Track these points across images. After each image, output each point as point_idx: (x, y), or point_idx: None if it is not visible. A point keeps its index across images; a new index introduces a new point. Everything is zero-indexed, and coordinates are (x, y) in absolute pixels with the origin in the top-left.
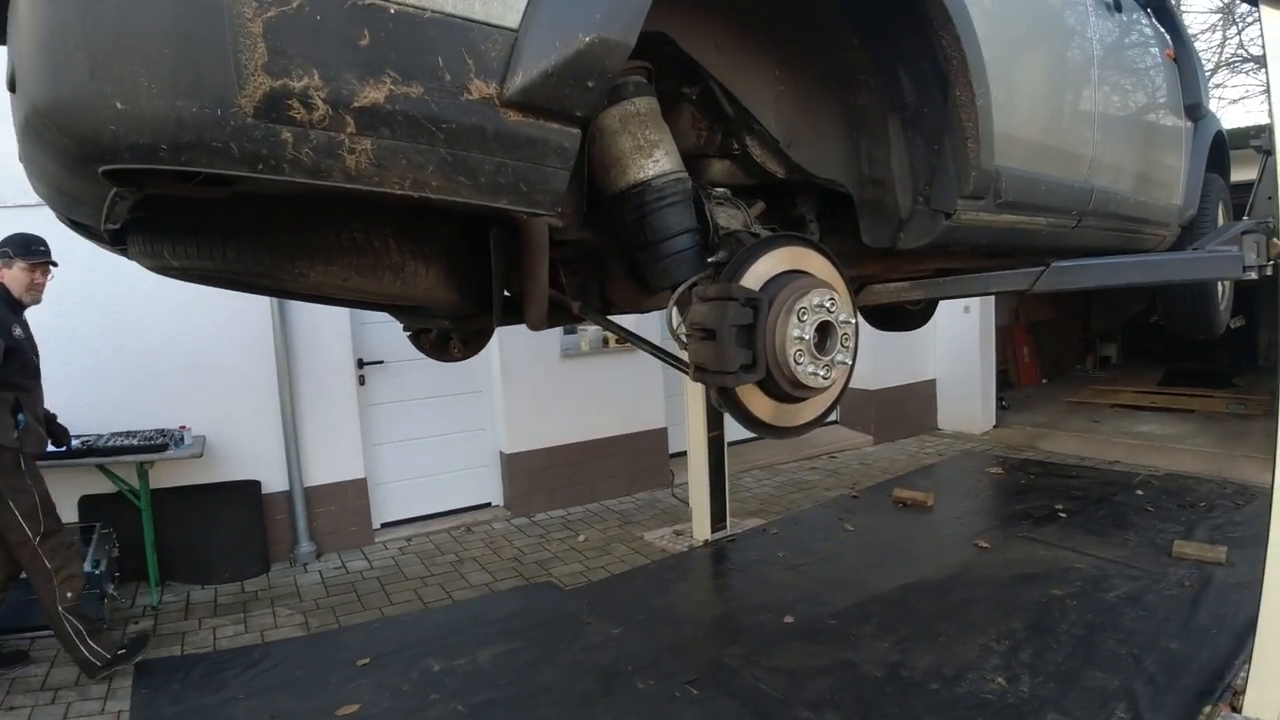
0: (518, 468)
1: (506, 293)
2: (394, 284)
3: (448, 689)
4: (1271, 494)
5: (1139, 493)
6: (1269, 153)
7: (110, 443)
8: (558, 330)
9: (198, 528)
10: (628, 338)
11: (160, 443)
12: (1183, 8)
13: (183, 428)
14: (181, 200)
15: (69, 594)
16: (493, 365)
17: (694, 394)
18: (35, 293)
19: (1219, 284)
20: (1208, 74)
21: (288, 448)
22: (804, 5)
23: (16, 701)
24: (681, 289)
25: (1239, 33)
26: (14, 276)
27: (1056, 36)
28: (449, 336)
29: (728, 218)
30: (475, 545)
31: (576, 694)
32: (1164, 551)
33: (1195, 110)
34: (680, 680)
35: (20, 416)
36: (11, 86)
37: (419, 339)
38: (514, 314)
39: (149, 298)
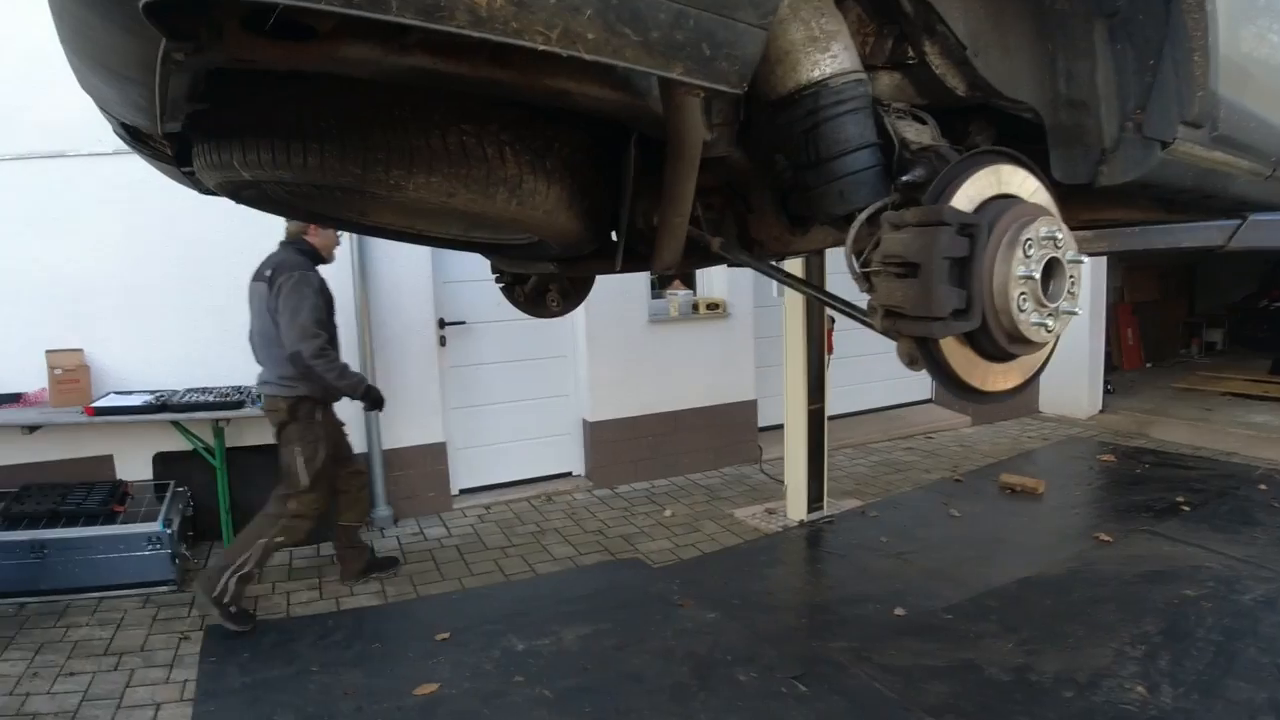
0: (601, 437)
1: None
2: (508, 203)
3: (531, 671)
4: None
5: (1262, 487)
6: None
7: (186, 399)
8: (645, 295)
9: (272, 489)
10: (786, 281)
11: (237, 400)
12: None
13: None
14: (253, 92)
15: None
16: (577, 330)
17: (794, 362)
18: (331, 251)
19: None
20: None
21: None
22: None
23: (77, 667)
24: (865, 215)
25: None
26: (324, 237)
27: None
28: (547, 287)
29: (916, 132)
30: (556, 516)
31: (670, 684)
32: None
33: None
34: (785, 675)
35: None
36: None
37: (512, 290)
38: (634, 255)
39: (225, 250)
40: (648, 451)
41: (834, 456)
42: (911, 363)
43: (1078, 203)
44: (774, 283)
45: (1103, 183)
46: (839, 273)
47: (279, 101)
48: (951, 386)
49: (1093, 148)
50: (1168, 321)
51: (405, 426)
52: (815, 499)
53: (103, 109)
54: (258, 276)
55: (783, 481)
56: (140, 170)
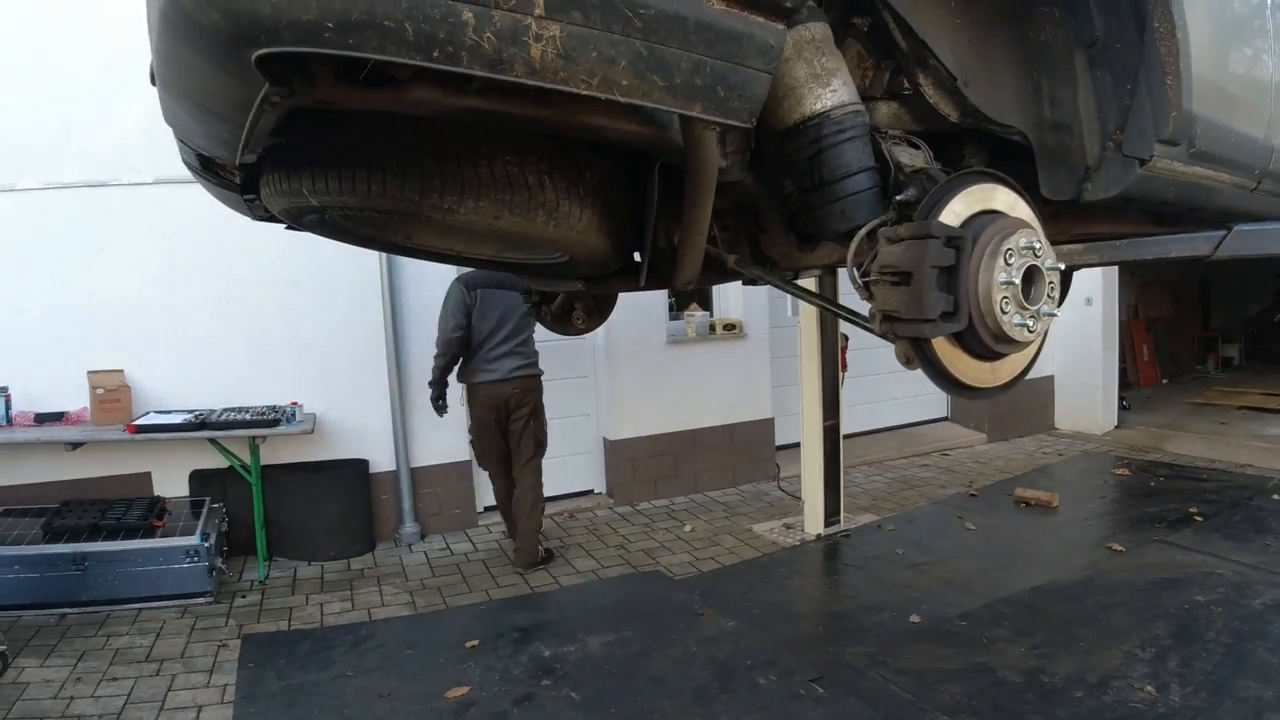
0: (622, 455)
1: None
2: (546, 225)
3: (558, 675)
4: None
5: (1275, 497)
6: None
7: (224, 417)
8: (664, 316)
9: (305, 505)
10: (793, 292)
11: (273, 418)
12: None
13: (294, 404)
14: (324, 129)
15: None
16: (598, 350)
17: (809, 379)
18: None
19: None
20: None
21: (395, 428)
22: None
23: (119, 673)
24: (864, 231)
25: None
26: None
27: None
28: (573, 306)
29: (910, 156)
30: (579, 531)
31: (692, 687)
32: None
33: None
34: (803, 678)
35: None
36: None
37: (540, 309)
38: (656, 272)
39: (261, 277)
40: (668, 469)
41: (851, 473)
42: (908, 362)
43: (1071, 218)
44: (789, 302)
45: (1087, 198)
46: (851, 290)
47: (346, 136)
48: (944, 383)
49: (1077, 166)
50: (1183, 337)
51: (432, 445)
52: (832, 513)
53: (182, 140)
54: (499, 285)
55: (800, 498)
56: (178, 199)
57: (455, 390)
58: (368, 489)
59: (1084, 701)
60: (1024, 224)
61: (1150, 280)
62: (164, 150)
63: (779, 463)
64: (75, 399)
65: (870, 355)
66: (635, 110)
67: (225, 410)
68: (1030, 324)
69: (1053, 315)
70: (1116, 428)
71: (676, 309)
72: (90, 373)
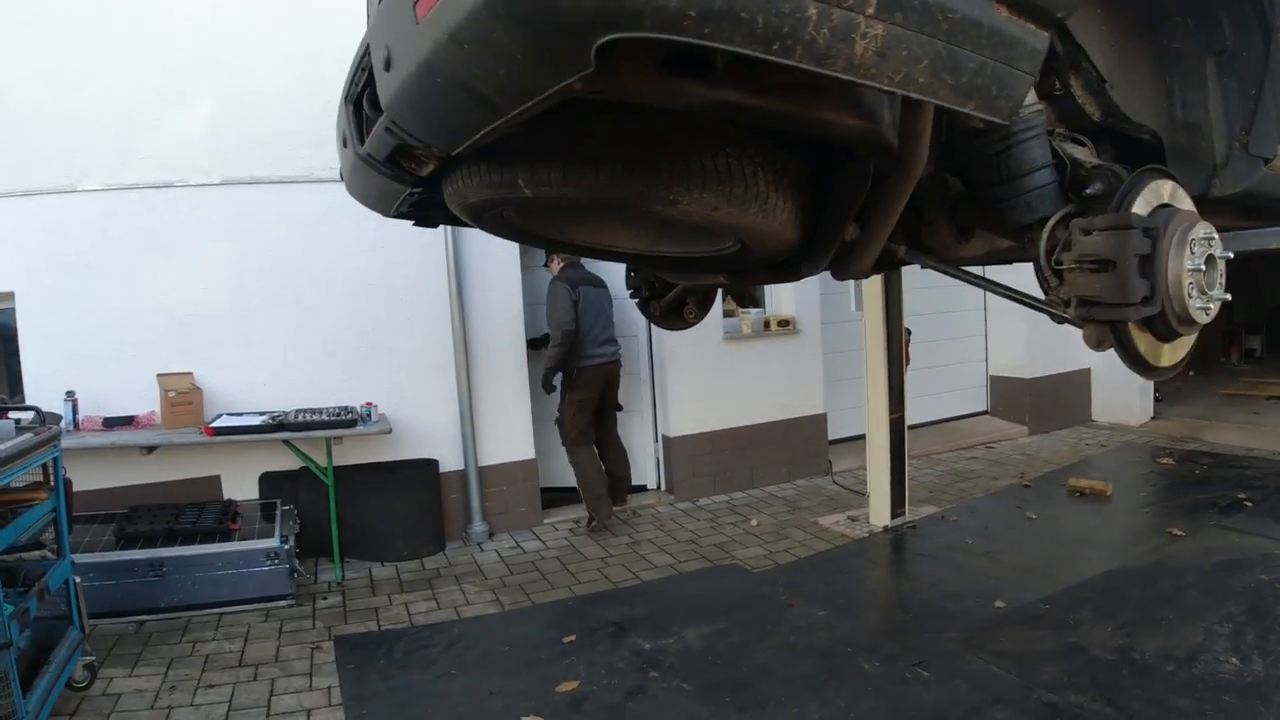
0: (681, 452)
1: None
2: (756, 216)
3: (665, 667)
4: None
5: None
6: None
7: (299, 418)
8: (719, 313)
9: (378, 505)
10: (973, 280)
11: (350, 419)
12: None
13: (370, 404)
14: (547, 122)
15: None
16: (650, 348)
17: (875, 373)
18: None
19: None
20: None
21: (463, 427)
22: None
23: (215, 679)
24: (1054, 220)
25: None
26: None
27: None
28: (684, 301)
29: (1082, 153)
30: (645, 527)
31: (800, 674)
32: None
33: None
34: (906, 663)
35: None
36: None
37: (648, 305)
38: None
39: (328, 278)
40: (725, 465)
41: None
42: (1099, 345)
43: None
44: (852, 297)
45: (1215, 194)
46: (914, 288)
47: (574, 129)
48: (1135, 364)
49: (1205, 164)
50: (1207, 329)
51: (499, 444)
52: (897, 505)
53: (394, 128)
54: (589, 283)
55: (857, 491)
56: (245, 200)
57: (509, 381)
58: (438, 489)
59: (1176, 675)
60: (1199, 217)
61: None
62: (231, 151)
63: (831, 458)
64: (143, 403)
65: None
66: (858, 105)
67: (299, 411)
68: (1209, 307)
69: (1225, 298)
70: (1153, 419)
71: (741, 306)
72: (160, 375)
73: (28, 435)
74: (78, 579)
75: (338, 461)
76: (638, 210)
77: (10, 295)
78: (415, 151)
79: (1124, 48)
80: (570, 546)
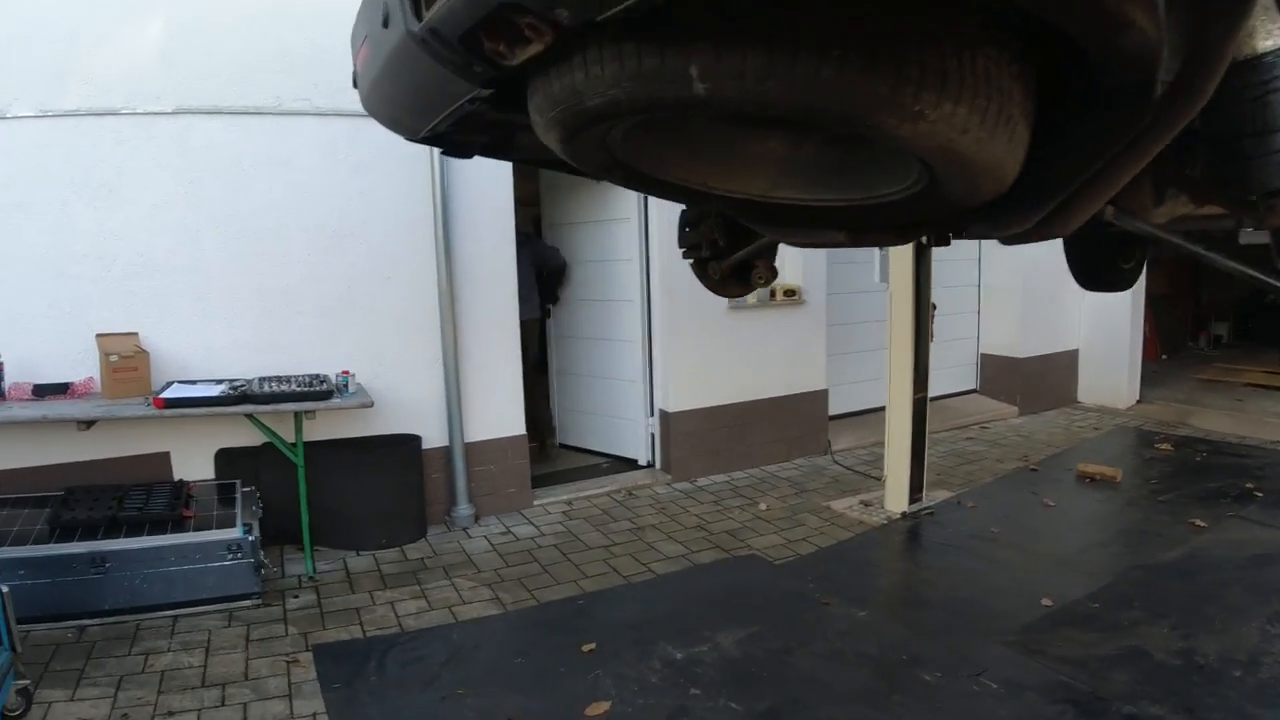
0: (680, 428)
1: None
2: (1001, 148)
3: (705, 682)
4: None
5: None
6: None
7: (266, 388)
8: None
9: (353, 487)
10: (1180, 245)
11: (324, 389)
12: None
13: (346, 373)
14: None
15: None
16: (638, 314)
17: (900, 350)
18: None
19: None
20: None
21: (449, 398)
22: None
23: (175, 703)
24: None
25: None
26: None
27: None
28: (753, 264)
29: None
30: (646, 511)
31: (858, 690)
32: None
33: None
34: (968, 673)
35: None
36: None
37: (704, 267)
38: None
39: (297, 225)
40: (725, 443)
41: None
42: None
43: None
44: (876, 268)
45: None
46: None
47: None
48: None
49: None
50: (1178, 314)
51: (486, 417)
52: (915, 490)
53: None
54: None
55: (859, 472)
56: (202, 132)
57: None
58: (420, 468)
59: (1245, 681)
60: None
61: (1152, 258)
62: (187, 75)
63: (829, 436)
64: (81, 367)
65: (869, 330)
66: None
67: (264, 380)
68: None
69: None
70: (1139, 402)
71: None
72: (100, 336)
73: None
74: (5, 588)
75: (307, 437)
76: (855, 127)
77: None
78: (522, 22)
79: None
80: (567, 533)
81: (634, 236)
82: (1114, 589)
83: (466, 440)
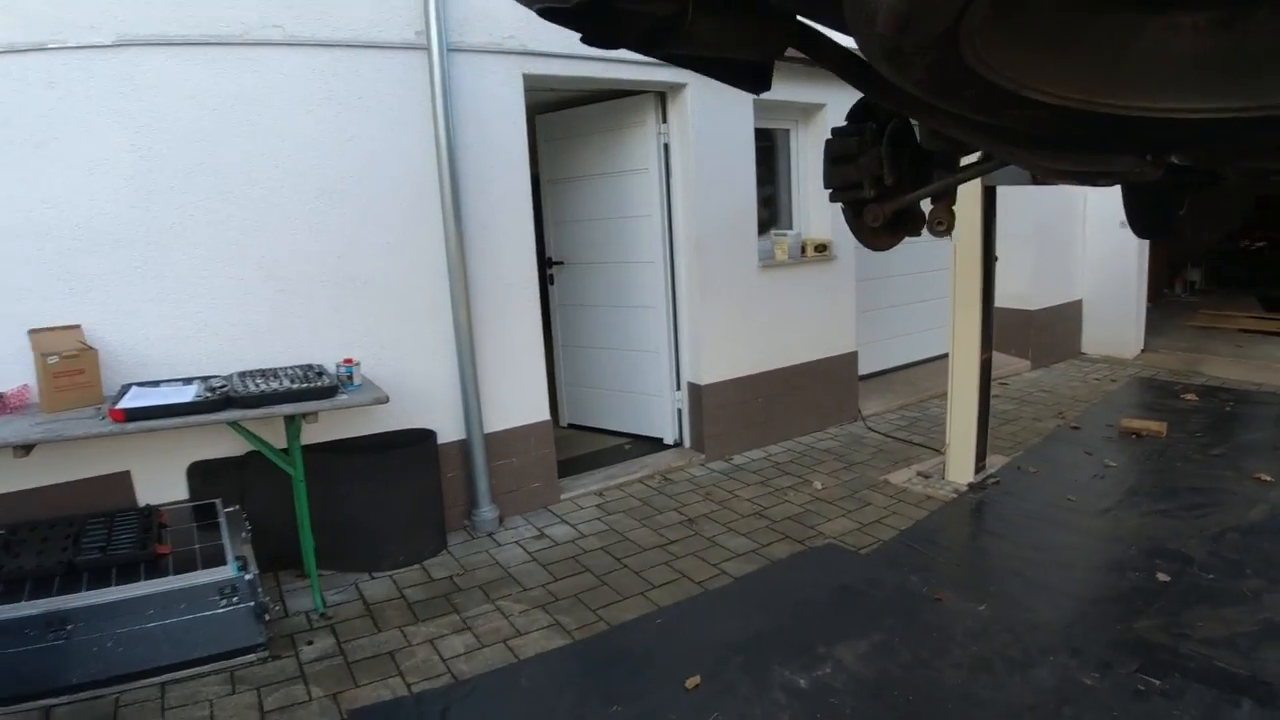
0: (712, 401)
1: None
2: None
3: (847, 715)
4: None
5: None
6: None
7: (251, 387)
8: (753, 236)
9: (360, 497)
10: None
11: (325, 385)
12: None
13: (347, 361)
14: None
15: None
16: (659, 278)
17: (966, 308)
18: None
19: None
20: None
21: (464, 384)
22: None
23: None
24: None
25: None
26: None
27: None
28: (912, 213)
29: None
30: (689, 498)
31: (1023, 705)
32: None
33: None
34: (1127, 670)
35: None
36: None
37: (860, 211)
38: None
39: (279, 183)
40: (757, 415)
41: (927, 407)
42: None
43: None
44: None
45: None
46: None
47: None
48: None
49: None
50: (1153, 261)
51: (506, 405)
52: (979, 459)
53: None
54: None
55: (899, 439)
56: (155, 69)
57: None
58: (437, 468)
59: None
60: None
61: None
62: None
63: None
64: (12, 371)
65: (893, 284)
66: None
67: (245, 375)
68: None
69: None
70: (1144, 351)
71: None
72: (33, 332)
73: None
74: None
75: (302, 439)
76: None
77: None
78: None
79: None
80: (611, 531)
81: (654, 189)
82: (1219, 555)
83: (486, 431)
